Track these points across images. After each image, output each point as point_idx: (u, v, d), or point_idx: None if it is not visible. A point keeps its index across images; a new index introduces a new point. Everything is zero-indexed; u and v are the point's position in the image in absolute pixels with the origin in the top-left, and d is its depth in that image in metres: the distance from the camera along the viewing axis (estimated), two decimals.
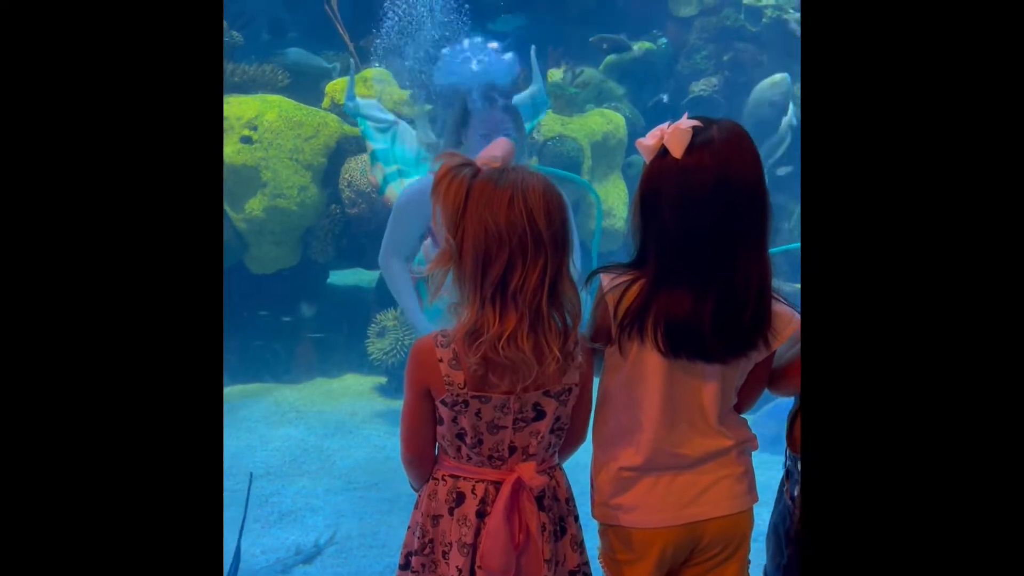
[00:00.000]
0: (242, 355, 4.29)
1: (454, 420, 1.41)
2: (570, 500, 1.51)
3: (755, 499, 1.52)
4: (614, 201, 4.87)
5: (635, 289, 1.42)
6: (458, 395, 1.39)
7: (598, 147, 4.83)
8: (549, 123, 4.69)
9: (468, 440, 1.42)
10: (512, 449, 1.42)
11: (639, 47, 5.32)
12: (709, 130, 1.37)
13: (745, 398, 1.53)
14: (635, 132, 4.99)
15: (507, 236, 1.30)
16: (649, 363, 1.43)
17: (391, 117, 3.75)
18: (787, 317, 1.43)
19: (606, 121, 4.93)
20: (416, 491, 1.54)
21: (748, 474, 1.53)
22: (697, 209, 1.35)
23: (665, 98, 5.18)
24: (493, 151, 1.38)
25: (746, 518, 1.51)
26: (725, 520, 1.48)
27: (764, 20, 5.10)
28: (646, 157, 1.40)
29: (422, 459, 1.49)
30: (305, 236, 4.39)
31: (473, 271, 1.33)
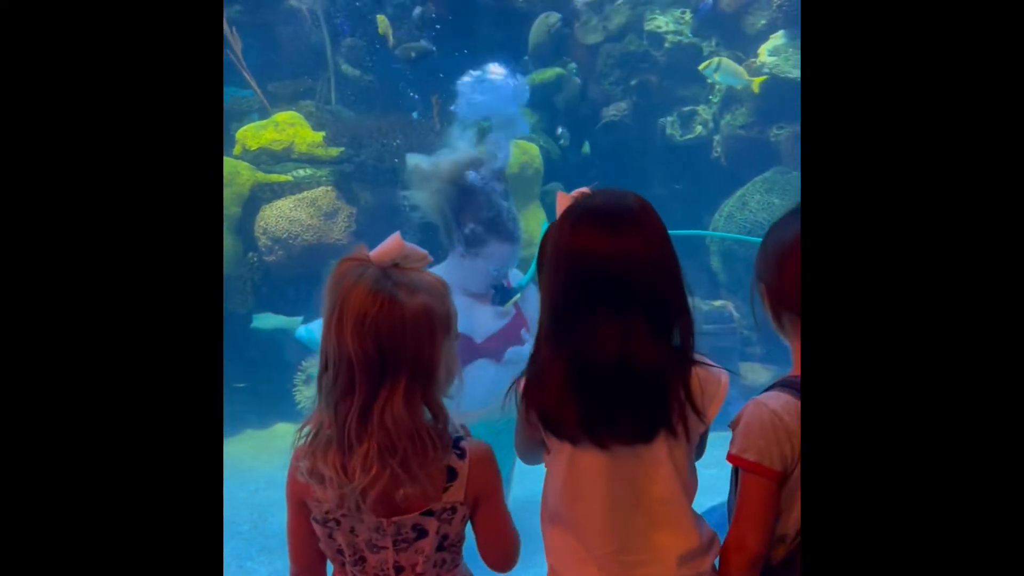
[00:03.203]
0: None
1: (330, 536, 1.32)
2: None
3: None
4: (534, 230, 4.92)
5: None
6: (327, 513, 1.30)
7: (515, 179, 4.86)
8: None
9: (348, 557, 1.32)
10: (399, 569, 1.32)
11: (552, 73, 5.39)
12: (625, 202, 1.28)
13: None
14: (550, 161, 5.07)
15: (355, 360, 1.22)
16: (581, 463, 1.30)
17: None
18: (715, 381, 1.30)
19: (521, 152, 4.98)
20: None
21: None
22: (576, 279, 1.25)
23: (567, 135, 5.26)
24: (383, 254, 1.28)
25: None
26: None
27: (666, 45, 5.26)
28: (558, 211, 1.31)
29: (311, 572, 1.40)
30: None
31: (328, 390, 1.26)
